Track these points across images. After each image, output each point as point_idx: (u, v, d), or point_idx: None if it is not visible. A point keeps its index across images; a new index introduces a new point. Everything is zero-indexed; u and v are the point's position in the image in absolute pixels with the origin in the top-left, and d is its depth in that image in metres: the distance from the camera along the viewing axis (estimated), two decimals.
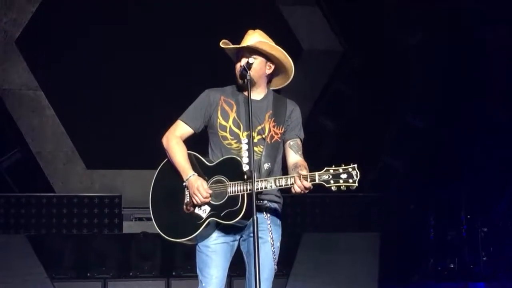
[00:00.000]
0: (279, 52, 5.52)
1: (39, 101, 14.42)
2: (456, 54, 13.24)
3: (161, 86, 14.23)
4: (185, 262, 12.41)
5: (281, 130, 5.43)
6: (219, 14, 14.18)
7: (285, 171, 5.59)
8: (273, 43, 5.61)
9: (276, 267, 5.46)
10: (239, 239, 5.37)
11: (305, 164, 5.31)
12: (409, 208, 13.56)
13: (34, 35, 14.32)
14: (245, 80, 5.33)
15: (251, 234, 4.95)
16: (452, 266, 12.98)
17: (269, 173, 5.24)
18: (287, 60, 5.55)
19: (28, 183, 14.01)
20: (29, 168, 14.26)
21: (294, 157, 5.37)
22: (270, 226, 5.38)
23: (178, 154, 5.34)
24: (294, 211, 13.54)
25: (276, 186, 5.05)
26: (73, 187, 14.09)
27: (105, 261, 12.79)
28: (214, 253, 5.30)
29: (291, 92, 14.45)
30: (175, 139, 5.47)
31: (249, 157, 5.07)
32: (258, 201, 5.12)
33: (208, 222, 5.12)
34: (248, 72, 5.37)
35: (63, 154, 14.48)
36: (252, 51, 5.51)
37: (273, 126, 5.41)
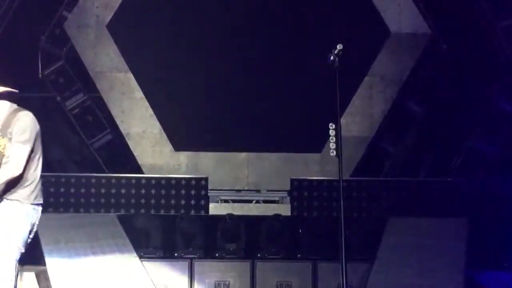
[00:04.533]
0: None
1: (128, 84, 14.70)
2: None
3: (250, 72, 14.31)
4: (270, 244, 12.52)
5: None
6: None
7: None
8: None
9: None
10: None
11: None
12: (497, 193, 13.26)
13: (124, 19, 14.60)
14: None
15: None
16: None
17: None
18: None
19: (118, 164, 14.35)
20: (119, 149, 14.58)
21: None
22: None
23: None
24: (379, 195, 13.44)
25: None
26: (161, 169, 14.31)
27: (192, 242, 13.03)
28: None
29: (378, 76, 14.48)
30: None
31: None
32: None
33: None
34: None
35: (152, 136, 14.71)
36: None
37: None
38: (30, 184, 6.00)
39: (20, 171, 5.76)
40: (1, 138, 5.85)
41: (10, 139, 5.85)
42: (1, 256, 5.79)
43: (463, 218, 12.55)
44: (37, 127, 6.05)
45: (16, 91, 6.16)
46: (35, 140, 5.96)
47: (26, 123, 5.93)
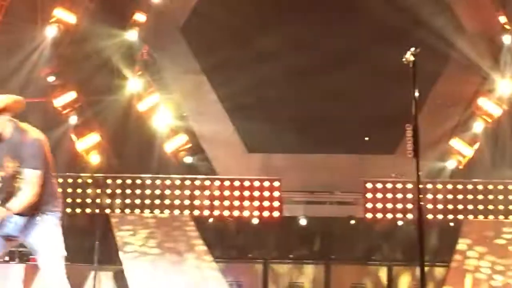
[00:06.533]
0: None
1: (202, 85, 14.83)
2: None
3: (322, 74, 14.26)
4: (345, 246, 12.46)
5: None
6: None
7: None
8: None
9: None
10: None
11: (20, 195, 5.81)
12: None
13: (197, 22, 14.73)
14: None
15: None
16: None
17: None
18: None
19: (192, 166, 14.48)
20: (193, 151, 14.71)
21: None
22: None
23: None
24: (455, 197, 13.21)
25: None
26: (234, 170, 14.36)
27: (266, 243, 13.05)
28: None
29: (459, 71, 14.12)
30: None
31: None
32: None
33: None
34: None
35: (225, 137, 14.79)
36: None
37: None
38: (55, 193, 6.09)
39: (36, 197, 5.82)
40: (12, 160, 5.88)
41: (20, 161, 5.87)
42: (59, 262, 5.94)
43: None
44: (47, 145, 6.08)
45: (22, 99, 6.14)
46: (46, 159, 5.99)
47: (37, 150, 5.94)
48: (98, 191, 13.10)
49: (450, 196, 13.11)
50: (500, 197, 13.01)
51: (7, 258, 10.25)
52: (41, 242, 5.92)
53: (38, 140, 5.93)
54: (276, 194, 13.37)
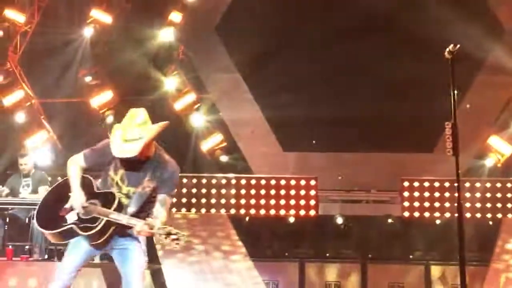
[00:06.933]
0: None
1: (237, 84, 14.84)
2: None
3: (357, 72, 14.20)
4: (382, 246, 12.38)
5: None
6: None
7: None
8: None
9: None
10: (109, 250, 6.36)
11: (161, 216, 6.14)
12: None
13: (232, 21, 14.74)
14: None
15: (114, 247, 6.27)
16: None
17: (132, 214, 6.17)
18: None
19: (229, 165, 14.50)
20: (229, 150, 14.74)
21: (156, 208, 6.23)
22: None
23: (73, 176, 6.28)
24: (493, 195, 13.07)
25: (126, 223, 6.06)
26: (270, 169, 14.35)
27: (302, 242, 13.02)
28: (71, 249, 6.35)
29: (497, 70, 13.93)
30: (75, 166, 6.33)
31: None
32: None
33: (68, 227, 6.18)
34: None
35: (261, 136, 14.79)
36: None
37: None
38: None
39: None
40: (151, 181, 6.21)
41: (157, 183, 6.21)
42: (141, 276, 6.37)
43: None
44: None
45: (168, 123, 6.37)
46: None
47: (176, 178, 6.34)
48: None
49: (488, 195, 13.00)
50: None
51: (46, 256, 10.37)
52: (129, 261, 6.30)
53: (178, 169, 6.34)
54: (312, 192, 13.35)
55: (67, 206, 6.23)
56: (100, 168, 6.39)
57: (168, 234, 5.98)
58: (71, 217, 6.20)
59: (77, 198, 6.17)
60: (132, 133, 6.05)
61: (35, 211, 6.41)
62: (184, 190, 13.37)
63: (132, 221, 6.06)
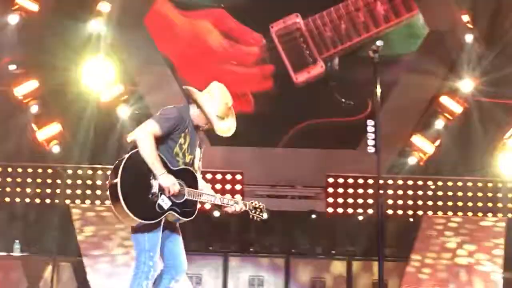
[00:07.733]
0: None
1: (166, 77, 14.78)
2: None
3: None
4: (305, 240, 12.48)
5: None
6: None
7: None
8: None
9: None
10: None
11: (206, 186, 6.44)
12: None
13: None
14: None
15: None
16: None
17: None
18: None
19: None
20: None
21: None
22: None
23: (153, 151, 5.86)
24: (415, 192, 13.31)
25: (220, 202, 6.26)
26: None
27: (226, 236, 13.03)
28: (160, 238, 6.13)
29: (421, 70, 14.16)
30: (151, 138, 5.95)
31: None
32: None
33: (169, 214, 5.93)
34: None
35: None
36: None
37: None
38: None
39: None
40: (201, 150, 6.40)
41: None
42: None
43: None
44: None
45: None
46: None
47: None
48: (58, 181, 13.00)
49: (410, 192, 13.24)
50: (460, 193, 13.17)
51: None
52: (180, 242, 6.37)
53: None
54: (238, 187, 13.39)
55: (155, 190, 5.83)
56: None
57: (256, 208, 6.30)
58: (165, 202, 5.87)
59: (169, 181, 5.86)
60: (225, 111, 6.18)
61: (120, 196, 5.67)
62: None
63: (227, 200, 6.17)
